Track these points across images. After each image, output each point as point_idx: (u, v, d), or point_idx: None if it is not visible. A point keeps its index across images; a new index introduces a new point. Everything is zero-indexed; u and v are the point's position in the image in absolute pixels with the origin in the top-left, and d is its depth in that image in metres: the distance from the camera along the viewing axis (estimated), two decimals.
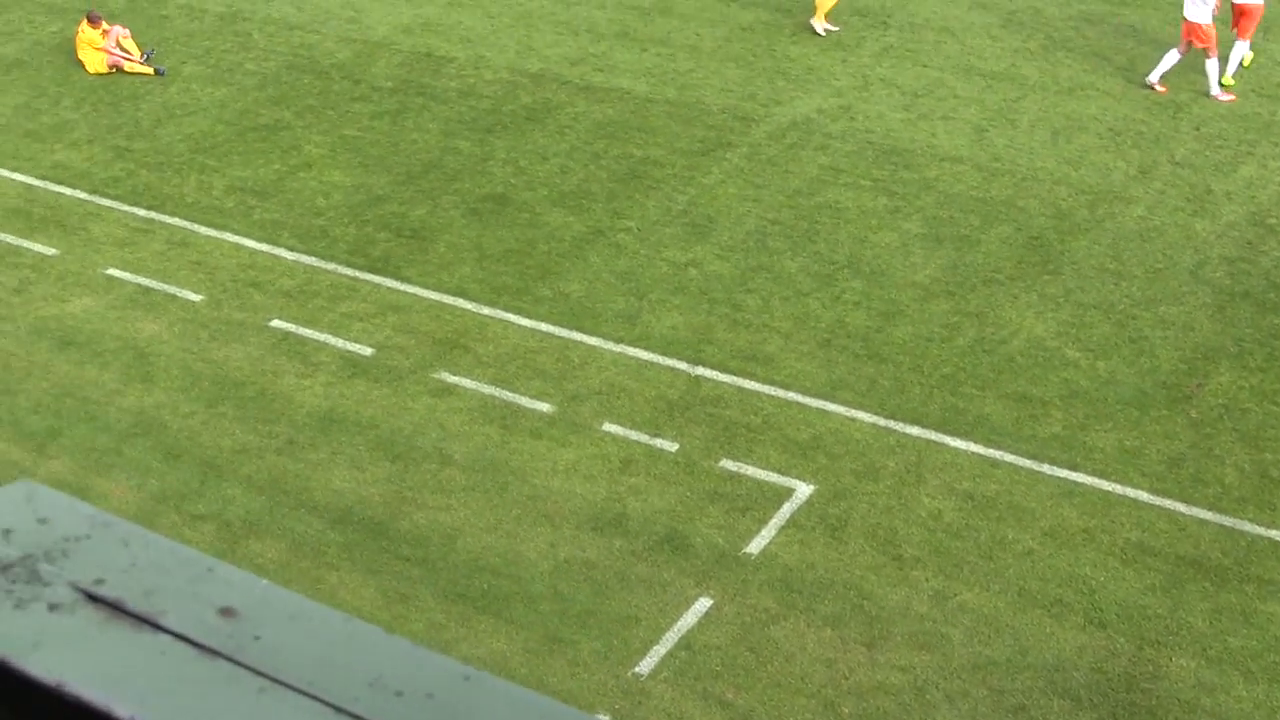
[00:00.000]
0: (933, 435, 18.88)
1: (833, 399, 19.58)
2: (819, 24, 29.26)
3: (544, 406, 19.69)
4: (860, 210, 23.57)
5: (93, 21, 29.35)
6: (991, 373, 19.92)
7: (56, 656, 2.01)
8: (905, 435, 18.91)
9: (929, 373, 19.99)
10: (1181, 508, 17.57)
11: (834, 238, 22.94)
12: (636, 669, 15.79)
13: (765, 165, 24.91)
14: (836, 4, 29.43)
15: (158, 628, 2.04)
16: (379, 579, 17.07)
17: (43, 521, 2.21)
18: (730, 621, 16.31)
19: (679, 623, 16.31)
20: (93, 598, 2.10)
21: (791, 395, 19.64)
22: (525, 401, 19.82)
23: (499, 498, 18.23)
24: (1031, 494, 17.87)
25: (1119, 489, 17.95)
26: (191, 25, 31.53)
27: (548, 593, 16.77)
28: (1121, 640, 15.92)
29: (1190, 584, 16.62)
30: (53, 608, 2.08)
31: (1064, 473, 18.19)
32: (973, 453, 18.52)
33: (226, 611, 2.08)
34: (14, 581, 2.10)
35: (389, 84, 28.44)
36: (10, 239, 24.10)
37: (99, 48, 29.35)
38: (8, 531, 2.18)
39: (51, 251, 23.70)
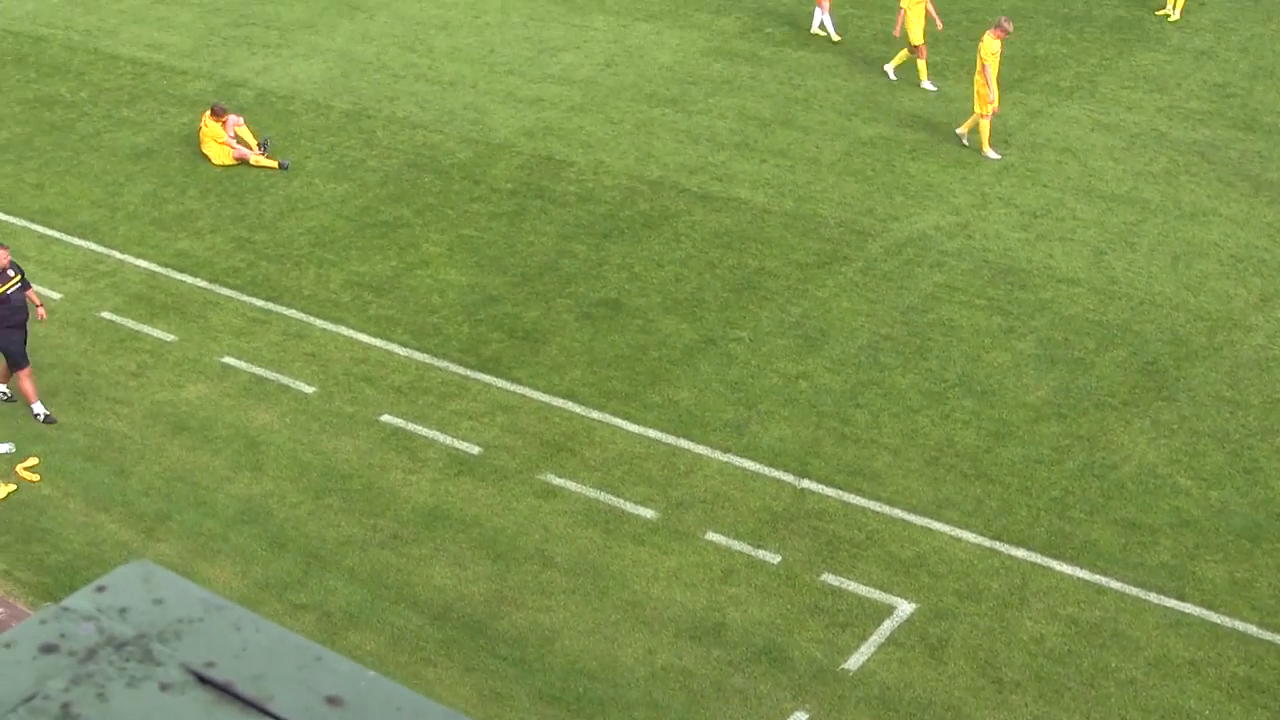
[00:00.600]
0: (1038, 558, 18.68)
1: (938, 517, 19.44)
2: (989, 152, 29.06)
3: (648, 513, 19.67)
4: (974, 329, 23.47)
5: (216, 114, 29.85)
6: (1101, 498, 19.70)
7: None
8: (1010, 557, 18.72)
9: (1037, 495, 19.80)
10: None
11: (946, 355, 22.84)
12: None
13: (880, 280, 24.88)
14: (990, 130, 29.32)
15: (265, 713, 2.06)
16: (476, 677, 17.05)
17: (158, 602, 2.24)
18: None
19: None
20: (203, 680, 2.12)
21: (897, 512, 19.52)
22: (629, 507, 19.81)
23: (599, 601, 18.19)
24: (1137, 622, 17.62)
25: (1228, 621, 17.66)
26: (317, 121, 31.99)
27: (643, 699, 16.69)
28: None
29: None
30: (164, 687, 2.10)
31: (1171, 602, 17.92)
32: (1078, 578, 18.30)
33: (333, 700, 2.09)
34: (128, 660, 2.12)
35: (508, 185, 28.68)
36: (131, 324, 24.46)
37: (222, 141, 29.83)
38: (124, 610, 2.20)
39: (170, 338, 24.02)
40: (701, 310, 24.21)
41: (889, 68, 33.15)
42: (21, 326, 21.90)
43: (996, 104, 28.79)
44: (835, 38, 35.09)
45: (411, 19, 37.73)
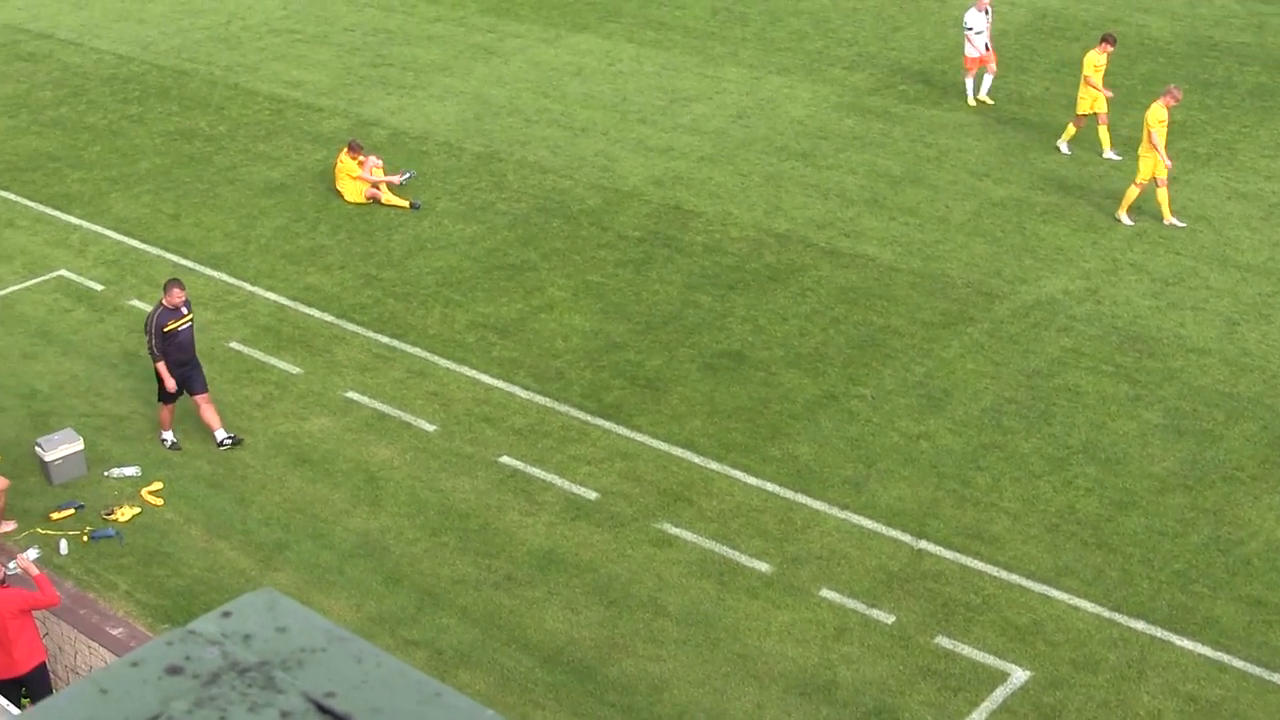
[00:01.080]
0: (1158, 632, 18.40)
1: (1056, 585, 19.21)
2: (1123, 215, 28.77)
3: (763, 566, 19.59)
4: (1100, 395, 23.22)
5: (352, 151, 30.16)
6: (1225, 573, 19.39)
7: None
8: (1129, 629, 18.46)
9: (1159, 567, 19.52)
10: None
11: (1070, 421, 22.61)
12: None
13: (1006, 343, 24.69)
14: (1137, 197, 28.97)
15: None
16: None
17: (282, 630, 2.23)
18: None
19: None
20: (323, 709, 2.11)
21: (1014, 577, 19.31)
22: (744, 559, 19.74)
23: (710, 653, 18.13)
24: (1259, 703, 17.30)
25: None
26: (449, 163, 32.24)
27: None
28: None
29: None
30: (284, 715, 2.09)
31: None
32: (1199, 654, 18.01)
33: None
34: (250, 685, 2.11)
35: (636, 233, 28.76)
36: (259, 355, 24.74)
37: (355, 177, 30.13)
38: (248, 636, 2.20)
39: (296, 370, 24.25)
40: (824, 365, 24.13)
41: (1061, 143, 32.41)
42: (185, 365, 22.22)
43: (1165, 170, 28.42)
44: (985, 99, 34.79)
45: (546, 64, 37.99)
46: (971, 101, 34.86)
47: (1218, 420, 22.58)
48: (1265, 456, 21.71)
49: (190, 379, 22.33)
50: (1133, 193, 28.71)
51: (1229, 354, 24.30)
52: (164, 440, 22.55)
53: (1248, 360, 24.12)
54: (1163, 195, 28.70)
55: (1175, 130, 32.98)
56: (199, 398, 22.34)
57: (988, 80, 34.93)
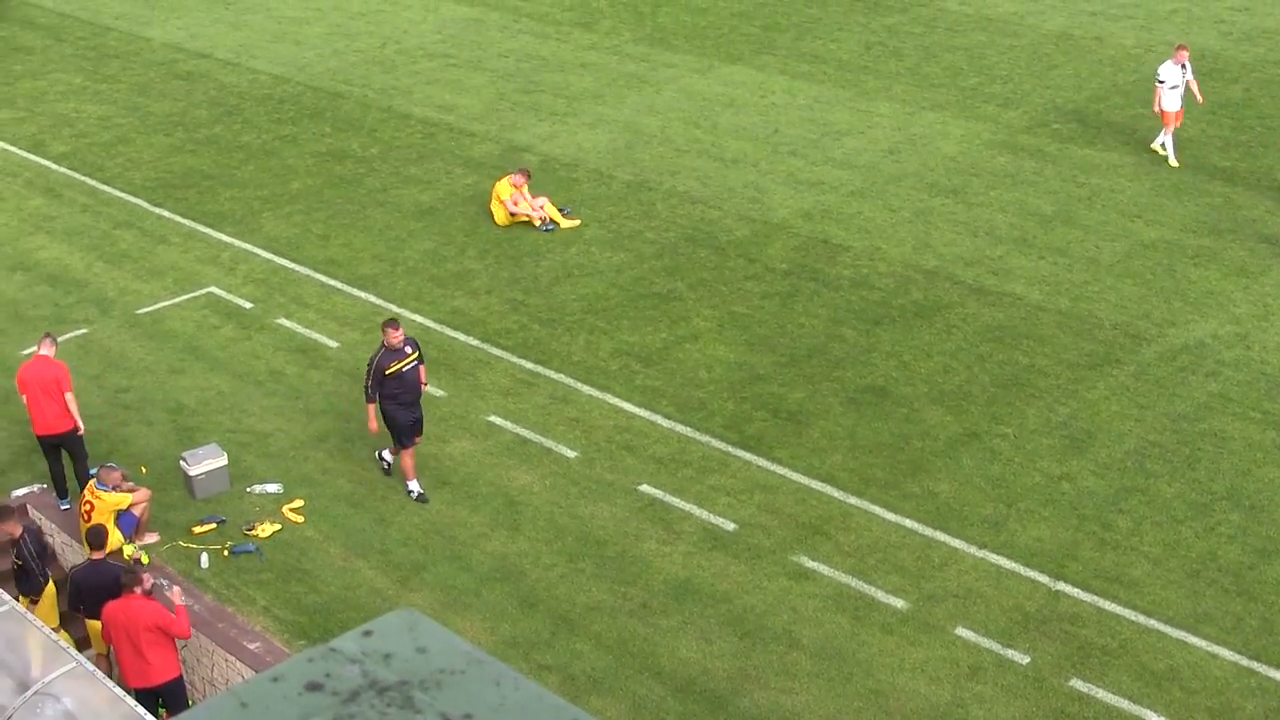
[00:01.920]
0: None
1: (1195, 631, 18.97)
2: None
3: (898, 603, 19.50)
4: (1246, 442, 22.91)
5: (520, 176, 30.33)
6: None
7: None
8: (1268, 679, 18.19)
9: None
10: None
11: (1215, 467, 22.32)
12: None
13: (1152, 386, 24.42)
14: None
15: None
16: None
17: (421, 651, 2.29)
18: None
19: None
20: None
21: (1152, 622, 19.09)
22: (880, 595, 19.67)
23: (842, 688, 18.07)
24: None
25: None
26: (598, 190, 32.41)
27: None
28: None
29: None
30: None
31: None
32: None
33: None
34: (389, 705, 2.18)
35: (783, 266, 28.75)
36: None
37: (502, 200, 30.35)
38: (388, 655, 2.26)
39: (440, 393, 24.46)
40: (968, 403, 24.00)
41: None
42: (413, 405, 21.77)
43: None
44: (1174, 162, 33.33)
45: (698, 95, 38.09)
46: (1173, 162, 33.32)
47: None
48: None
49: (417, 422, 21.91)
50: None
51: None
52: (410, 491, 22.03)
53: None
54: None
55: None
56: (405, 451, 21.92)
57: (1161, 136, 33.69)
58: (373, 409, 21.69)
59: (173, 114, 37.89)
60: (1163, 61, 34.35)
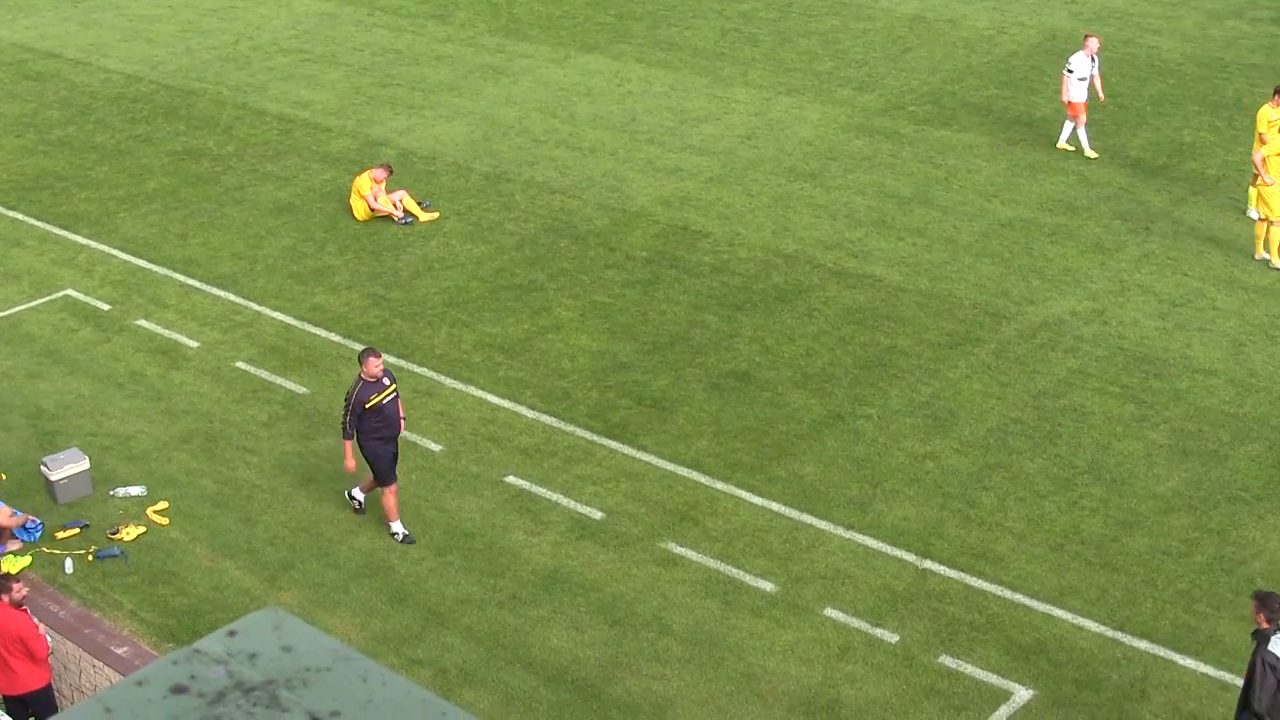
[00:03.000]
0: (1161, 651, 18.41)
1: (1060, 604, 19.22)
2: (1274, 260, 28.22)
3: (767, 586, 19.60)
4: (1106, 416, 23.23)
5: (381, 171, 30.20)
6: (1229, 593, 19.40)
7: None
8: (1132, 648, 18.46)
9: (1163, 587, 19.53)
10: None
11: (1076, 442, 22.62)
12: None
13: (1012, 363, 24.70)
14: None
15: None
16: None
17: (287, 649, 2.26)
18: None
19: None
20: None
21: (1019, 597, 19.32)
22: (749, 579, 19.76)
23: (714, 672, 18.14)
24: None
25: None
26: (457, 183, 32.30)
27: None
28: None
29: None
30: None
31: None
32: (1202, 674, 18.02)
33: None
34: (255, 705, 2.14)
35: (643, 254, 28.79)
36: (265, 374, 24.77)
37: (362, 195, 30.18)
38: (253, 655, 2.23)
39: (303, 390, 24.30)
40: (831, 386, 24.15)
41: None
42: (393, 441, 20.53)
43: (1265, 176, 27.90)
44: (1090, 153, 33.11)
45: (554, 85, 38.06)
46: (1090, 153, 33.05)
47: (1223, 441, 22.59)
48: (1270, 477, 21.72)
49: (394, 458, 20.71)
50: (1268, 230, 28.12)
51: (1235, 375, 24.30)
52: (394, 534, 20.82)
53: (1254, 381, 24.12)
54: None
55: (1184, 151, 33.08)
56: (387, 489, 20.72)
57: (1069, 128, 33.58)
58: (350, 446, 20.37)
59: (23, 115, 37.31)
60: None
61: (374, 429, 20.29)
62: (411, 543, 20.62)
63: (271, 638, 2.27)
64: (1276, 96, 29.14)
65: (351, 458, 20.45)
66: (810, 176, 32.18)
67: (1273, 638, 15.23)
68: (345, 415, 20.25)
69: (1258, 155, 27.97)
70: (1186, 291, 27.06)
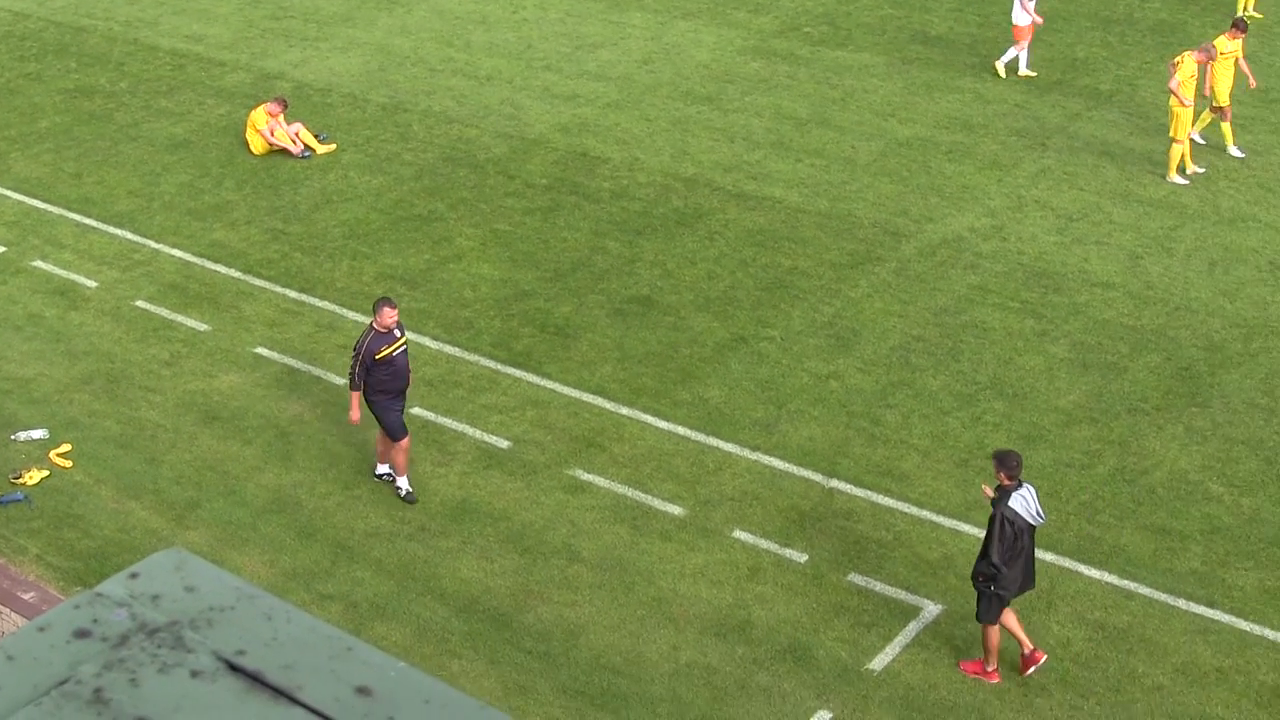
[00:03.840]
0: (1066, 562, 18.64)
1: (967, 519, 19.41)
2: (1175, 178, 28.38)
3: (675, 509, 19.68)
4: (1006, 331, 23.42)
5: (276, 106, 29.91)
6: (1131, 503, 19.66)
7: None
8: (1039, 561, 18.66)
9: (1066, 499, 19.76)
10: None
11: (978, 358, 22.80)
12: None
13: (913, 281, 24.84)
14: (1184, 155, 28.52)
15: (294, 701, 2.07)
16: (501, 670, 17.10)
17: (190, 590, 2.25)
18: None
19: None
20: (234, 667, 2.13)
21: (925, 513, 19.49)
22: (657, 503, 19.83)
23: (624, 597, 18.22)
24: (1165, 629, 17.58)
25: (1257, 629, 17.62)
26: (354, 114, 32.05)
27: (666, 695, 16.71)
28: None
29: None
30: (195, 674, 2.11)
31: (1200, 609, 17.88)
32: (1106, 583, 18.27)
33: (363, 690, 2.10)
34: (160, 646, 2.14)
35: (543, 181, 28.71)
36: (165, 313, 24.54)
37: (258, 129, 29.91)
38: (156, 597, 2.22)
39: (204, 327, 24.10)
40: (733, 309, 24.21)
41: (1194, 133, 29.63)
42: (402, 395, 19.83)
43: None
44: (1027, 72, 33.24)
45: (450, 13, 37.78)
46: (1025, 71, 33.15)
47: (1122, 353, 22.83)
48: (1169, 388, 21.99)
49: (403, 412, 19.95)
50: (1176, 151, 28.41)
51: (1132, 287, 24.56)
52: (399, 490, 20.17)
53: (1150, 293, 24.38)
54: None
55: (1078, 67, 33.27)
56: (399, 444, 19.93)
57: (1011, 52, 33.35)
58: (357, 398, 19.72)
59: None
60: None
61: (382, 382, 19.53)
62: (413, 502, 19.98)
63: (174, 578, 2.26)
64: (1233, 29, 29.28)
65: (357, 409, 19.82)
66: (707, 100, 32.15)
67: (1013, 494, 16.29)
68: (354, 366, 19.51)
69: (1174, 81, 28.02)
70: (1083, 206, 27.29)
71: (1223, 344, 23.14)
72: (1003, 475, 16.41)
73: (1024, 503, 16.37)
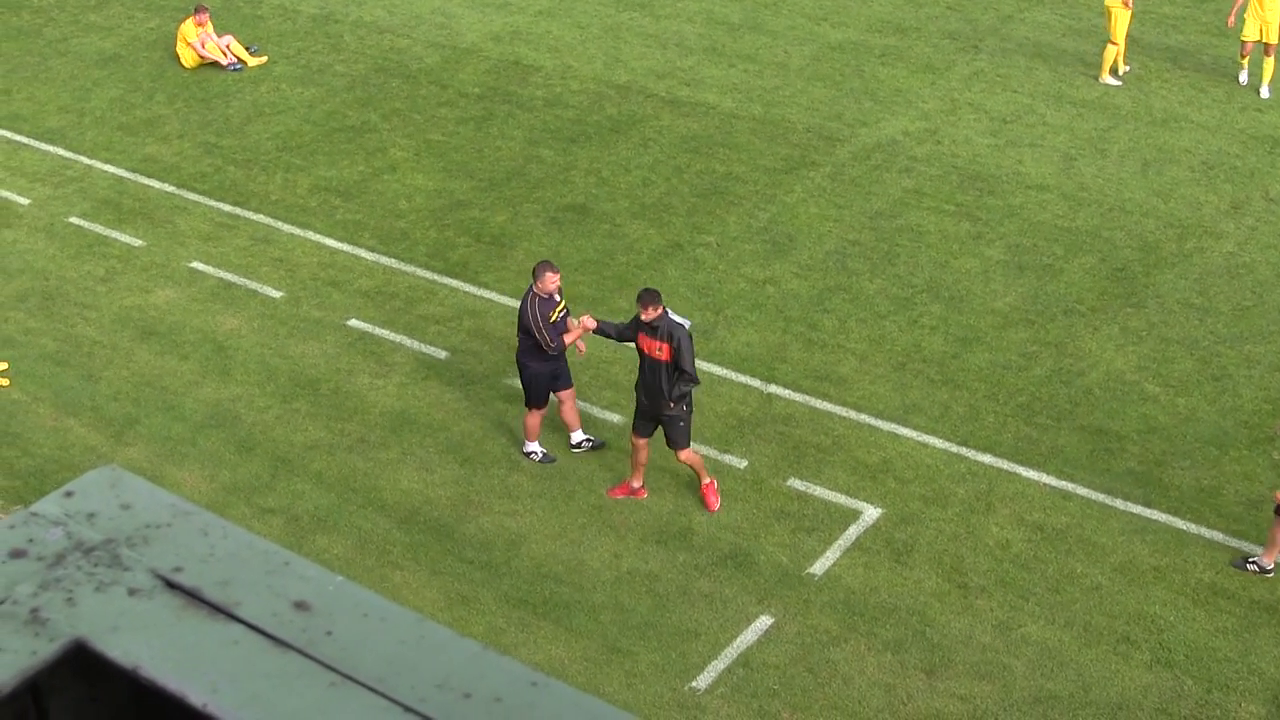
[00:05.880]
0: (1005, 464, 18.79)
1: (905, 423, 19.52)
2: (1108, 79, 28.43)
3: (615, 417, 19.71)
4: (942, 235, 23.49)
5: (198, 16, 29.58)
6: (1068, 404, 19.80)
7: (134, 640, 2.04)
8: (977, 463, 18.82)
9: (1004, 401, 19.89)
10: (1258, 550, 17.39)
11: (914, 261, 22.87)
12: (694, 684, 15.79)
13: (848, 185, 24.86)
14: (1119, 53, 28.49)
15: (233, 618, 2.08)
16: (442, 580, 17.14)
17: (126, 507, 2.25)
18: (790, 641, 16.28)
19: (738, 639, 16.31)
20: (171, 585, 2.13)
21: (863, 417, 19.59)
22: (596, 411, 19.85)
23: (565, 506, 18.27)
24: (1103, 529, 17.75)
25: (1194, 528, 17.81)
26: (284, 26, 31.76)
27: (609, 603, 16.80)
28: (1189, 682, 15.78)
29: (1264, 628, 16.46)
30: (132, 592, 2.11)
31: (1137, 509, 18.06)
32: (1045, 484, 18.42)
33: (301, 605, 2.11)
34: (96, 565, 2.13)
35: (476, 90, 28.55)
36: (99, 229, 24.35)
37: (189, 43, 29.61)
38: (91, 515, 2.21)
39: (138, 243, 23.93)
40: (669, 215, 24.19)
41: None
42: (555, 362, 18.58)
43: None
44: None
45: None
46: None
47: (1057, 255, 22.94)
48: (1103, 289, 22.12)
49: (562, 373, 18.76)
50: (1111, 52, 28.40)
51: (1067, 189, 24.65)
52: (533, 453, 19.19)
53: (1085, 195, 24.48)
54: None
55: None
56: (565, 393, 18.91)
57: None
58: (573, 338, 18.47)
59: None
60: None
61: (534, 346, 18.41)
62: (552, 461, 19.10)
63: (109, 496, 2.25)
64: None
65: (580, 339, 18.70)
66: (639, 6, 31.98)
67: (671, 317, 17.51)
68: (542, 333, 18.12)
69: None
70: (1016, 108, 27.33)
71: (1157, 244, 23.27)
72: (649, 310, 17.39)
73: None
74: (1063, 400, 19.89)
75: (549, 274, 18.22)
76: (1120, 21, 27.78)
